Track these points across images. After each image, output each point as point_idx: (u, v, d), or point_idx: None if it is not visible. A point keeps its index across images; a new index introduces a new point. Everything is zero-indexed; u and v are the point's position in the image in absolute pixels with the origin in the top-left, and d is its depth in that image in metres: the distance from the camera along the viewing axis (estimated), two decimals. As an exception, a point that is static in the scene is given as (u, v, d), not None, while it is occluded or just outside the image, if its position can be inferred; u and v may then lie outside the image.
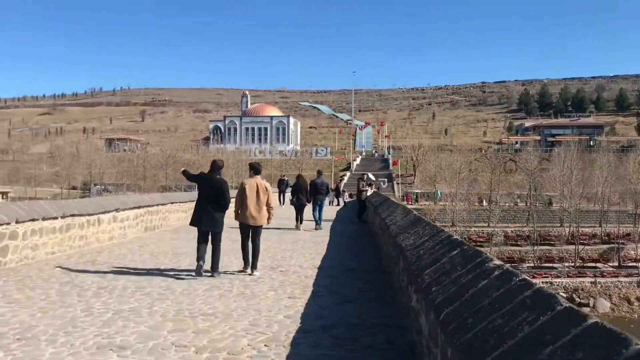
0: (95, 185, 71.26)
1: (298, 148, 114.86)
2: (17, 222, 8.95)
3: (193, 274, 8.22)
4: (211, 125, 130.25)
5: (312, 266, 9.59)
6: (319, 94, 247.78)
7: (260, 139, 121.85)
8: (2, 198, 74.31)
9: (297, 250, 11.89)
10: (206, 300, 6.67)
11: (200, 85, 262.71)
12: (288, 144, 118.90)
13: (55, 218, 10.18)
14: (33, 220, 9.42)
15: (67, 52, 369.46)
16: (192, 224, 8.52)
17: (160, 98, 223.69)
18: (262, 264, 9.38)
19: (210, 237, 8.42)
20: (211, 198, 8.28)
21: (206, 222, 8.29)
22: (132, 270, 8.62)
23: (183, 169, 9.70)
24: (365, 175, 22.09)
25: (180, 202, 17.43)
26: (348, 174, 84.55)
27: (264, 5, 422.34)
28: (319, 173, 19.08)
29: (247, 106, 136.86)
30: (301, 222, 17.16)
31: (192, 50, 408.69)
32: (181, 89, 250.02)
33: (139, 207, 14.09)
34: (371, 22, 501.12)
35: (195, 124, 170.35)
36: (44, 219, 9.76)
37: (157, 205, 15.48)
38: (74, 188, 74.62)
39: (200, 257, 8.14)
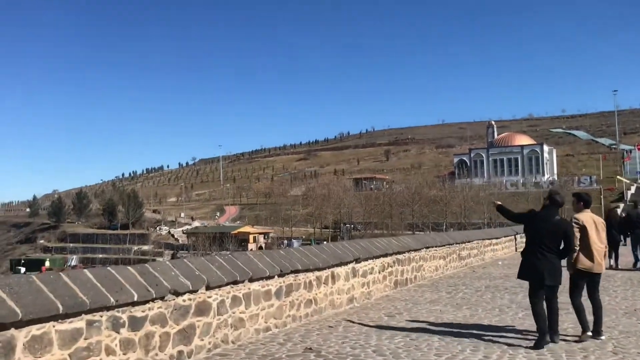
0: (344, 224, 72.11)
1: (555, 178, 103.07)
2: (208, 287, 5.94)
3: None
4: (456, 159, 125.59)
5: None
6: (573, 119, 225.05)
7: (510, 171, 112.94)
8: (264, 238, 79.95)
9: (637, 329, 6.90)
10: None
11: (441, 120, 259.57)
12: (543, 175, 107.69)
13: (271, 277, 7.04)
14: (234, 282, 6.37)
15: (318, 102, 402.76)
16: (523, 277, 6.53)
17: (403, 137, 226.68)
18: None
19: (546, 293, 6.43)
20: (550, 243, 6.28)
21: (548, 274, 6.25)
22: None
23: (498, 203, 7.61)
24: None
25: (436, 247, 13.51)
26: (621, 205, 71.77)
27: (505, 27, 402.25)
28: (635, 204, 14.72)
29: (493, 137, 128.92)
30: (617, 260, 14.90)
31: (432, 88, 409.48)
32: (423, 126, 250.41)
33: (385, 255, 10.53)
34: (630, 30, 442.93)
35: (438, 160, 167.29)
36: (251, 279, 6.67)
37: (409, 251, 11.77)
38: (325, 227, 76.70)
39: (544, 329, 6.19)
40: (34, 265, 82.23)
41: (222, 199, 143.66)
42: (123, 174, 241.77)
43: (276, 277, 7.16)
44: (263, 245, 76.63)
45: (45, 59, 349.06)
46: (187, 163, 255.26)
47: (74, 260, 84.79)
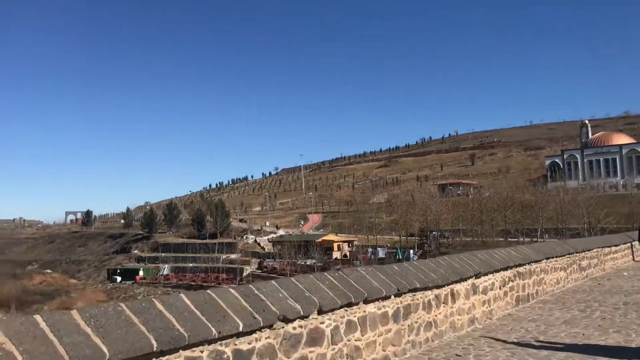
0: (431, 232, 69.85)
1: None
2: (320, 311, 5.02)
3: None
4: (547, 162, 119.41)
5: None
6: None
7: (608, 172, 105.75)
8: (349, 247, 79.06)
9: None
10: None
11: (529, 122, 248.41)
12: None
13: (387, 297, 6.05)
14: (349, 305, 5.42)
15: (398, 108, 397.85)
16: None
17: (489, 140, 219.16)
18: None
19: None
20: None
21: None
22: None
23: None
24: None
25: (556, 257, 11.97)
26: None
27: (593, 21, 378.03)
28: None
29: (587, 137, 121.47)
30: None
31: (518, 88, 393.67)
32: (510, 128, 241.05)
33: (506, 269, 9.24)
34: None
35: (527, 163, 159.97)
36: (366, 301, 5.69)
37: (529, 263, 10.38)
38: (411, 235, 74.71)
39: None
40: (129, 275, 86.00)
41: (304, 207, 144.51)
42: (210, 185, 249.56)
43: (393, 297, 6.16)
44: (347, 254, 75.79)
45: (136, 77, 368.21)
46: (269, 173, 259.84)
47: (165, 269, 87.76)
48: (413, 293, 6.53)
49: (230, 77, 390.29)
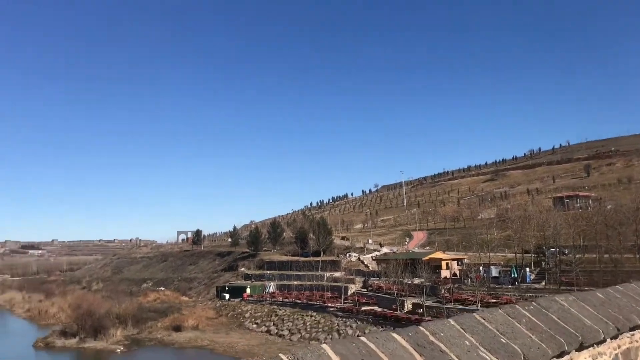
0: (550, 248, 64.48)
1: None
2: (526, 368, 3.24)
3: None
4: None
5: None
6: None
7: None
8: (458, 265, 75.26)
9: None
10: None
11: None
12: None
13: (602, 341, 4.13)
14: (560, 355, 3.58)
15: (504, 119, 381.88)
16: None
17: (605, 149, 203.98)
18: None
19: None
20: None
21: None
22: None
23: None
24: None
25: None
26: None
27: None
28: None
29: None
30: None
31: (635, 94, 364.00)
32: (628, 136, 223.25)
33: None
34: None
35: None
36: (581, 347, 3.82)
37: None
38: (526, 252, 69.69)
39: None
40: (237, 292, 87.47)
41: (407, 224, 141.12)
42: (311, 203, 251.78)
43: (608, 339, 4.23)
44: (457, 272, 72.06)
45: (243, 97, 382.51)
46: (369, 190, 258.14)
47: (271, 287, 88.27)
48: (632, 332, 4.56)
49: (330, 96, 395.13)
